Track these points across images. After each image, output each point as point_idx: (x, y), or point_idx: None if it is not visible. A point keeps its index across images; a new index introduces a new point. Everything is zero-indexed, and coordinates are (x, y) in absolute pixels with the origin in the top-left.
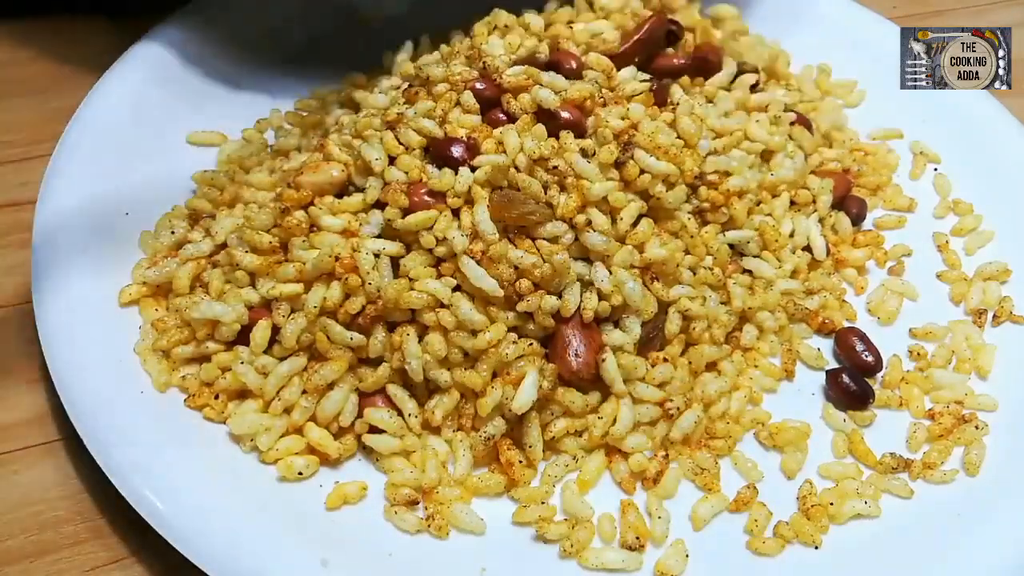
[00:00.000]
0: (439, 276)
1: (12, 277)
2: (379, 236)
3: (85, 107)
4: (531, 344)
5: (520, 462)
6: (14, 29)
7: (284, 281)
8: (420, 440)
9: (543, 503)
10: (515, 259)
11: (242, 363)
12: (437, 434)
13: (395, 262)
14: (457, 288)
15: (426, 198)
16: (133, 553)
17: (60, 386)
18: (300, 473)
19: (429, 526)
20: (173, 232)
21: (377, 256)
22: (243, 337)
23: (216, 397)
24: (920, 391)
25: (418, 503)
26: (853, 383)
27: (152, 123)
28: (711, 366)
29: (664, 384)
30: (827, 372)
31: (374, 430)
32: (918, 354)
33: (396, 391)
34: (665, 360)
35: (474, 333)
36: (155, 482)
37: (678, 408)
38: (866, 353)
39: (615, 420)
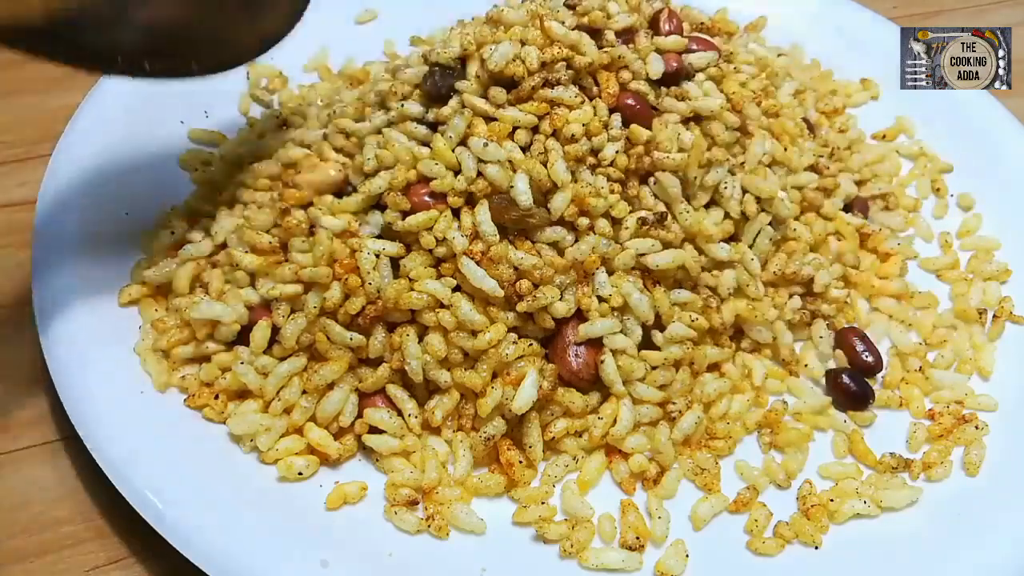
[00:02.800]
0: (439, 276)
1: (12, 277)
2: (379, 236)
3: (85, 107)
4: (531, 344)
5: (520, 462)
6: None
7: (283, 282)
8: (420, 440)
9: (543, 503)
10: (515, 260)
11: (242, 363)
12: (437, 434)
13: (395, 263)
14: (457, 288)
15: (426, 199)
16: (133, 553)
17: (60, 386)
18: (300, 473)
19: (429, 526)
20: (173, 232)
21: (377, 256)
22: (243, 337)
23: (216, 397)
24: (920, 391)
25: (418, 503)
26: (853, 383)
27: (152, 123)
28: (713, 367)
29: (665, 386)
30: (827, 372)
31: (374, 430)
32: (919, 355)
33: (396, 391)
34: (666, 361)
35: (474, 333)
36: (155, 482)
37: (679, 410)
38: (866, 353)
39: (615, 420)
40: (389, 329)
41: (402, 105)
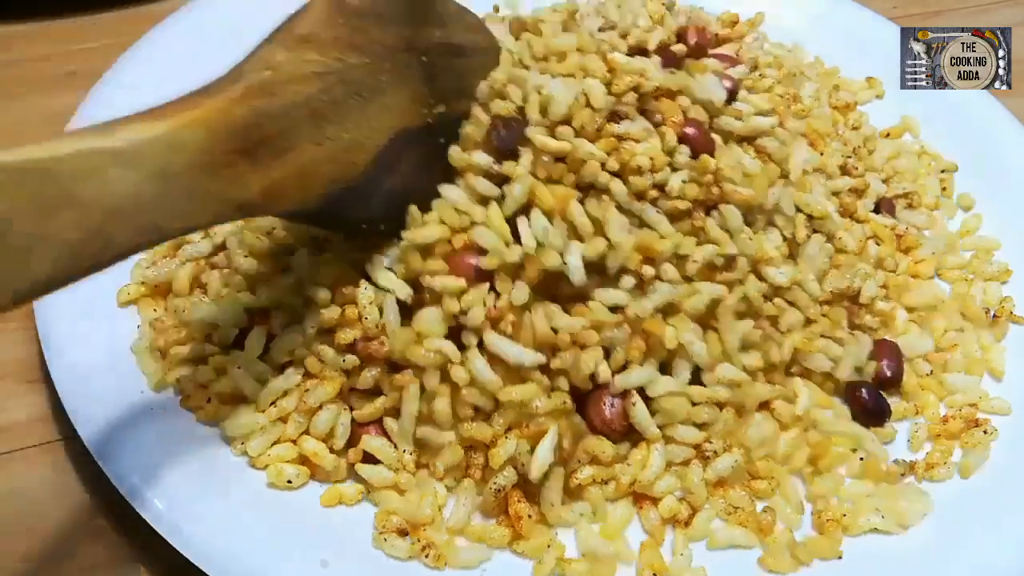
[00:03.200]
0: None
1: None
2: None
3: (85, 107)
4: (564, 402)
5: (530, 516)
6: (15, 30)
7: (283, 291)
8: (415, 478)
9: (550, 546)
10: (556, 324)
11: (239, 368)
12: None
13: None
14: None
15: (471, 262)
16: (133, 553)
17: (60, 386)
18: (289, 482)
19: (425, 555)
20: None
21: (383, 291)
22: (242, 340)
23: (208, 400)
24: (936, 397)
25: (407, 534)
26: (871, 399)
27: None
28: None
29: (705, 424)
30: (847, 384)
31: (369, 459)
32: (931, 360)
33: (393, 425)
34: (709, 399)
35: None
36: (155, 482)
37: (715, 451)
38: (889, 364)
39: (644, 464)
40: (391, 367)
41: (469, 156)
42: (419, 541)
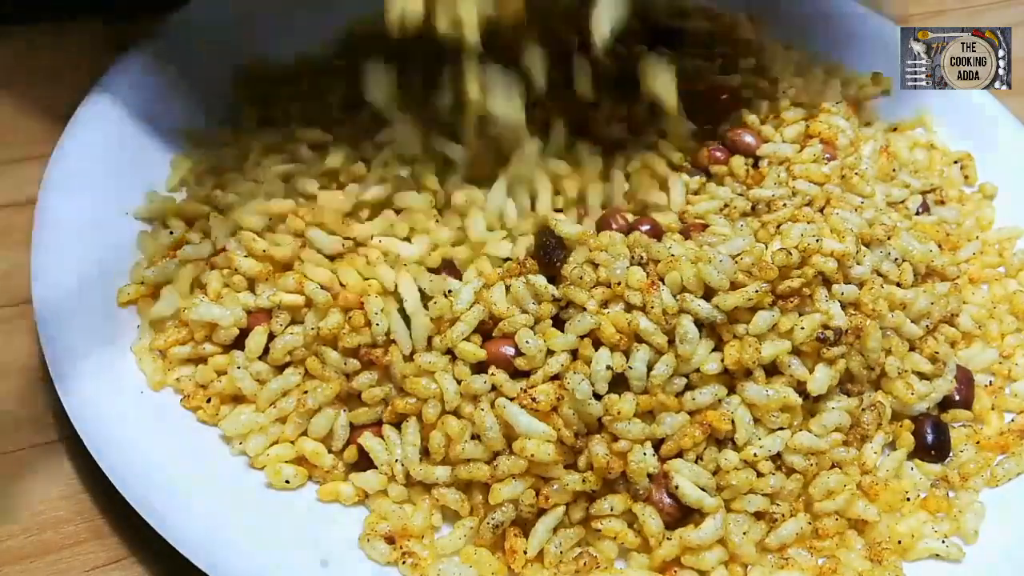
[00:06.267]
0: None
1: (12, 277)
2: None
3: (85, 107)
4: (592, 489)
5: (525, 553)
6: (15, 30)
7: (286, 291)
8: (409, 492)
9: None
10: (594, 456)
11: (239, 368)
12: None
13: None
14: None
15: (505, 351)
16: (133, 553)
17: (60, 386)
18: (287, 482)
19: (402, 562)
20: (172, 232)
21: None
22: (242, 340)
23: (208, 401)
24: (997, 412)
25: (394, 541)
26: (935, 437)
27: (152, 123)
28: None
29: (775, 495)
30: (914, 418)
31: (362, 466)
32: (997, 372)
33: (390, 433)
34: (780, 469)
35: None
36: (155, 482)
37: (782, 515)
38: (959, 389)
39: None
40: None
41: (527, 279)
42: (399, 548)
